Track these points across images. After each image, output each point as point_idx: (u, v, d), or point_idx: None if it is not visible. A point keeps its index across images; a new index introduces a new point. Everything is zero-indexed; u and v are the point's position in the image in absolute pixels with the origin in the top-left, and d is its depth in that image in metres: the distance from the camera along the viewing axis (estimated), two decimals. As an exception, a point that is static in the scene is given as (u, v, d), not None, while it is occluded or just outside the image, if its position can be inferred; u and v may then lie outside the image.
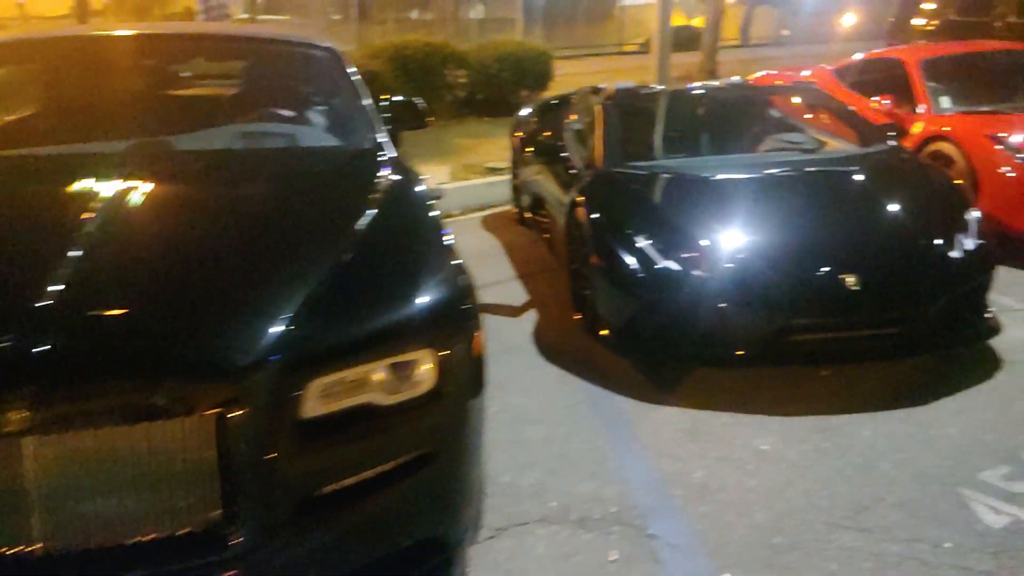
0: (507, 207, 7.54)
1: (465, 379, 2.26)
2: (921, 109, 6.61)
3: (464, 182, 8.18)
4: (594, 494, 3.19)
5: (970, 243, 4.12)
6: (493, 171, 8.37)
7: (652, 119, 5.67)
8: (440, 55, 10.54)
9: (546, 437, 3.62)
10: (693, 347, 3.96)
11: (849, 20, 25.60)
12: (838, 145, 5.32)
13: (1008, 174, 5.67)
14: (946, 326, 3.96)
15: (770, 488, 3.20)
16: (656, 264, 3.99)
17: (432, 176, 8.32)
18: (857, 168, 4.67)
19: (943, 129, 6.23)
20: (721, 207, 4.25)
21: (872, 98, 6.97)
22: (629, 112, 5.63)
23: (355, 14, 17.43)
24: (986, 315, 4.16)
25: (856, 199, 4.39)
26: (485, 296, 5.35)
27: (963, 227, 4.19)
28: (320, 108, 3.92)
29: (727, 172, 4.67)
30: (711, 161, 4.98)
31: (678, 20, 25.18)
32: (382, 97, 3.96)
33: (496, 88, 10.62)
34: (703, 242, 4.03)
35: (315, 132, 3.71)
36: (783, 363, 4.01)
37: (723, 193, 4.41)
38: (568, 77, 12.09)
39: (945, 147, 6.16)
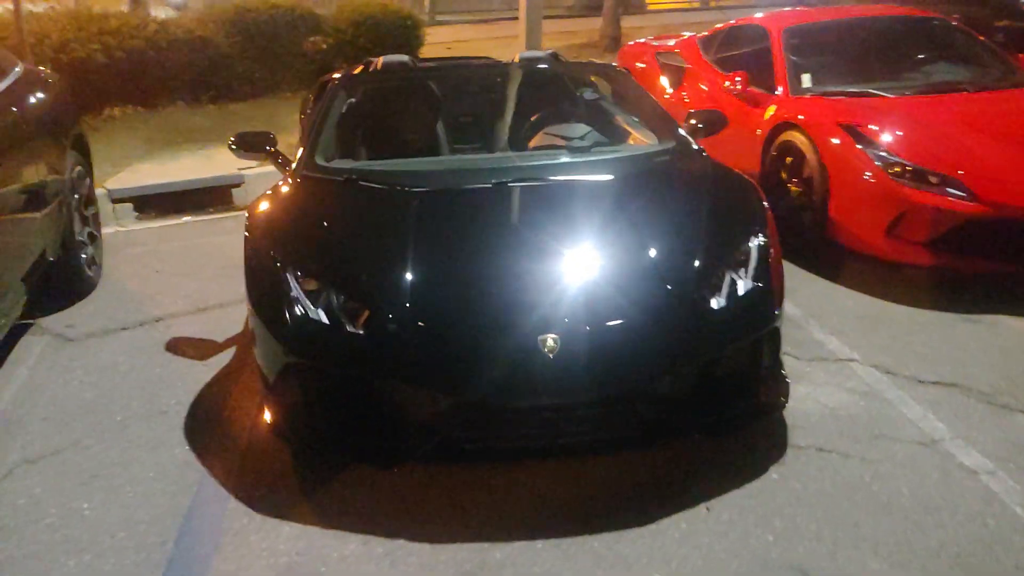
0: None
1: None
2: (779, 90, 5.45)
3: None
4: None
5: (743, 285, 2.98)
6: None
7: (405, 105, 4.51)
8: (288, 18, 9.24)
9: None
10: (346, 437, 2.83)
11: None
12: (638, 140, 4.17)
13: (864, 176, 4.52)
14: (698, 403, 2.84)
15: None
16: (306, 313, 2.85)
17: (237, 160, 7.12)
18: (623, 175, 3.51)
19: (797, 116, 5.07)
20: (413, 233, 3.10)
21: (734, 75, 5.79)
22: (376, 95, 4.47)
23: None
24: (764, 383, 3.03)
25: (601, 222, 3.21)
26: (188, 327, 4.23)
27: (738, 261, 3.05)
28: None
29: (450, 179, 3.52)
30: (442, 163, 3.81)
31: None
32: None
33: (355, 56, 9.35)
34: (372, 285, 2.90)
35: None
36: (460, 460, 2.89)
37: (424, 212, 3.25)
38: (447, 45, 10.83)
39: (796, 138, 5.01)
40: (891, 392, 3.45)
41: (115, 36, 8.11)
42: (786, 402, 3.08)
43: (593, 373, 2.70)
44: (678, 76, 6.85)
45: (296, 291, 2.90)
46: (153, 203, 6.48)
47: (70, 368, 3.83)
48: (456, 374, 2.69)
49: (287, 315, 2.86)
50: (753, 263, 3.06)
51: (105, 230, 5.86)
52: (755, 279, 3.01)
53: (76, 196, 4.56)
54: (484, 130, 4.69)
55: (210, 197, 6.68)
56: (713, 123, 4.11)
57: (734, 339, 2.90)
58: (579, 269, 2.95)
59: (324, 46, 9.56)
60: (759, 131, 5.40)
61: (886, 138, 4.59)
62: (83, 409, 3.47)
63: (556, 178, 3.47)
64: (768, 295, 3.02)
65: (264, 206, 3.41)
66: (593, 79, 4.68)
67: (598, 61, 5.42)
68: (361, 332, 2.77)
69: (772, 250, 3.17)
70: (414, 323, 2.75)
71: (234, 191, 6.75)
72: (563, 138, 4.04)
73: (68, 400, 3.54)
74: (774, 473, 2.92)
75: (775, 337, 3.05)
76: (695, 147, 3.83)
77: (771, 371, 3.06)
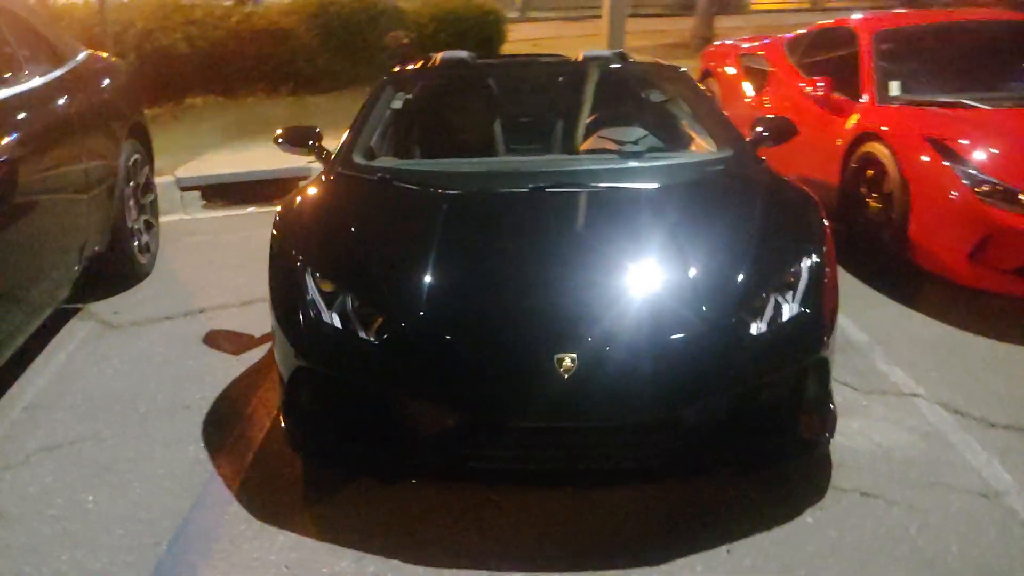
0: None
1: None
2: (864, 97, 5.09)
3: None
4: None
5: (788, 309, 2.73)
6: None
7: (461, 102, 4.40)
8: (369, 12, 9.24)
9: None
10: (349, 447, 2.71)
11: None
12: (700, 147, 3.93)
13: (949, 195, 4.17)
14: (729, 436, 2.61)
15: None
16: (319, 316, 2.74)
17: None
18: (669, 184, 3.28)
19: (880, 127, 4.72)
20: (438, 238, 2.95)
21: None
22: (431, 92, 4.36)
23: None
24: (807, 418, 2.76)
25: (637, 234, 3.00)
26: (230, 320, 4.20)
27: (785, 283, 2.80)
28: None
29: (485, 183, 3.37)
30: (482, 164, 3.64)
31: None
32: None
33: (436, 51, 9.31)
34: (388, 291, 2.76)
35: None
36: (467, 479, 2.73)
37: (451, 216, 3.09)
38: (533, 41, 10.68)
39: (877, 150, 4.66)
40: (956, 434, 3.13)
41: (199, 26, 8.26)
42: (830, 438, 2.81)
43: (612, 397, 2.51)
44: (761, 80, 6.52)
45: (312, 292, 2.80)
46: (221, 193, 6.54)
47: (107, 356, 3.84)
48: (461, 390, 2.54)
49: (301, 317, 2.76)
50: (802, 286, 2.81)
51: (170, 218, 5.96)
52: (803, 303, 2.76)
53: (132, 184, 4.59)
54: (543, 131, 4.53)
55: (277, 189, 6.69)
56: (780, 132, 3.83)
57: (773, 369, 2.67)
58: (608, 284, 2.75)
59: (406, 40, 9.52)
60: (839, 141, 5.07)
61: (977, 155, 4.21)
62: (110, 399, 3.45)
63: (597, 185, 3.26)
64: (817, 322, 2.76)
65: (294, 202, 3.32)
66: (655, 81, 4.44)
67: (662, 62, 5.17)
68: (372, 339, 2.64)
69: (827, 272, 2.91)
70: (425, 333, 2.61)
71: (301, 184, 6.74)
72: (616, 142, 3.84)
73: (98, 389, 3.54)
74: (808, 517, 2.67)
75: (823, 368, 2.79)
76: (753, 157, 3.57)
77: (816, 404, 2.79)
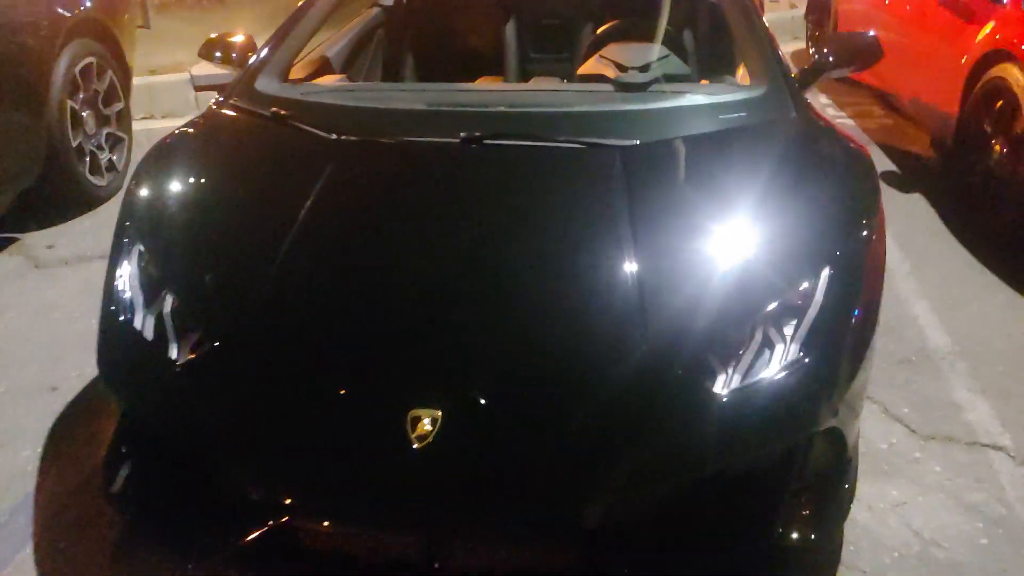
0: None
1: None
2: None
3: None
4: None
5: (783, 353, 1.81)
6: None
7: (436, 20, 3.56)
8: None
9: None
10: (143, 507, 2.00)
11: None
12: (743, 78, 2.89)
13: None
14: (653, 547, 1.77)
15: None
16: (130, 319, 2.03)
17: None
18: (655, 140, 2.30)
19: (1018, 44, 3.47)
20: (304, 216, 2.15)
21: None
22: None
23: None
24: (794, 512, 1.86)
25: (580, 228, 2.08)
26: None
27: (783, 309, 1.86)
28: None
29: (403, 126, 2.48)
30: (411, 97, 2.72)
31: None
32: None
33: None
34: (216, 291, 2.01)
35: None
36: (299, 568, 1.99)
37: (334, 183, 2.26)
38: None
39: (1010, 75, 3.45)
40: (1042, 525, 2.16)
41: None
42: (838, 527, 1.92)
43: (478, 483, 1.71)
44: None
45: (129, 281, 2.08)
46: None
47: (8, 307, 3.31)
48: (247, 455, 1.78)
49: (111, 316, 2.06)
50: (813, 313, 1.86)
51: (177, 122, 5.34)
52: (809, 342, 1.82)
53: (81, 95, 3.94)
54: (570, 38, 3.62)
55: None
56: (858, 54, 2.74)
57: (743, 450, 1.77)
58: (511, 308, 1.90)
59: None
60: (964, 58, 3.84)
61: None
62: (-22, 369, 2.91)
63: (553, 139, 2.31)
64: (829, 374, 1.82)
65: (162, 146, 2.56)
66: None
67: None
68: (181, 362, 1.91)
69: (863, 286, 1.97)
70: (236, 361, 1.86)
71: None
72: (619, 66, 2.83)
73: (-28, 354, 3.01)
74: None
75: (834, 440, 1.88)
76: (794, 98, 2.51)
77: (813, 492, 1.89)
